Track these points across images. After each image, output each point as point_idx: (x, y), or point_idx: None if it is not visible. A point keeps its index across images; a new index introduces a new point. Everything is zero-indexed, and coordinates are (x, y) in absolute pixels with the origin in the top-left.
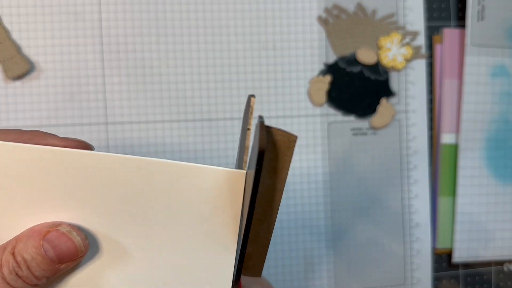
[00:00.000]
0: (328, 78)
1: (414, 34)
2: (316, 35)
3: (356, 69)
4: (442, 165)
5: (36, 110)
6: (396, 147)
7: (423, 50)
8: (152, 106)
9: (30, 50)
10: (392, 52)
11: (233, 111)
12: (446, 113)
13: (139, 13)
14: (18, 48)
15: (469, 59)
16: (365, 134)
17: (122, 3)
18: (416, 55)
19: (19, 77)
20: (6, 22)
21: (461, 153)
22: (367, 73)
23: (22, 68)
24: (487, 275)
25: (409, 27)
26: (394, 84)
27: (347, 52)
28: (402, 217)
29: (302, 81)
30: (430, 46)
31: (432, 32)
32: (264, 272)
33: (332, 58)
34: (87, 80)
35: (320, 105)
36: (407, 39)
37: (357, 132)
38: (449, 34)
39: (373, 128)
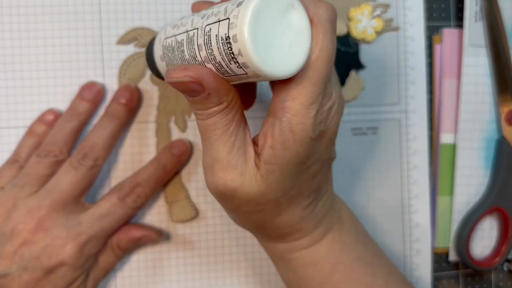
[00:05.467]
0: None
1: (385, 7)
2: None
3: None
4: (442, 164)
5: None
6: (396, 147)
7: (395, 23)
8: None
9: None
10: (363, 24)
11: None
12: (446, 113)
13: (139, 13)
14: None
15: (467, 60)
16: (365, 134)
17: (122, 3)
18: (387, 27)
19: None
20: (6, 22)
21: (459, 152)
22: (337, 45)
23: None
24: (487, 275)
25: (409, 27)
26: (364, 56)
27: None
28: (402, 216)
29: None
30: (430, 46)
31: (432, 32)
32: (264, 271)
33: None
34: (87, 79)
35: None
36: (378, 11)
37: (356, 132)
38: (449, 34)
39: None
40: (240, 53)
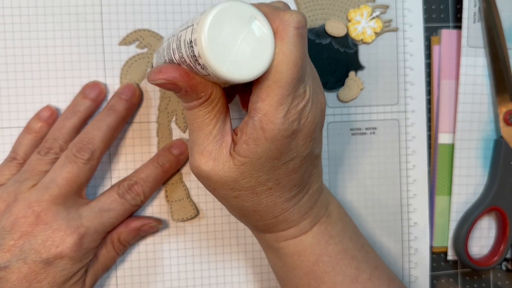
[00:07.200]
0: None
1: (385, 7)
2: None
3: (325, 41)
4: (440, 164)
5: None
6: (395, 147)
7: (394, 24)
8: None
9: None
10: (362, 25)
11: None
12: (444, 113)
13: (140, 14)
14: None
15: (465, 60)
16: (364, 134)
17: (123, 4)
18: (386, 28)
19: None
20: (7, 22)
21: (457, 153)
22: (336, 46)
23: None
24: (485, 274)
25: (408, 28)
26: (363, 57)
27: (316, 23)
28: (400, 216)
29: None
30: (429, 46)
31: (431, 33)
32: (264, 270)
33: None
34: (89, 80)
35: None
36: (377, 12)
37: (356, 132)
38: (447, 35)
39: (341, 101)
40: (200, 55)
